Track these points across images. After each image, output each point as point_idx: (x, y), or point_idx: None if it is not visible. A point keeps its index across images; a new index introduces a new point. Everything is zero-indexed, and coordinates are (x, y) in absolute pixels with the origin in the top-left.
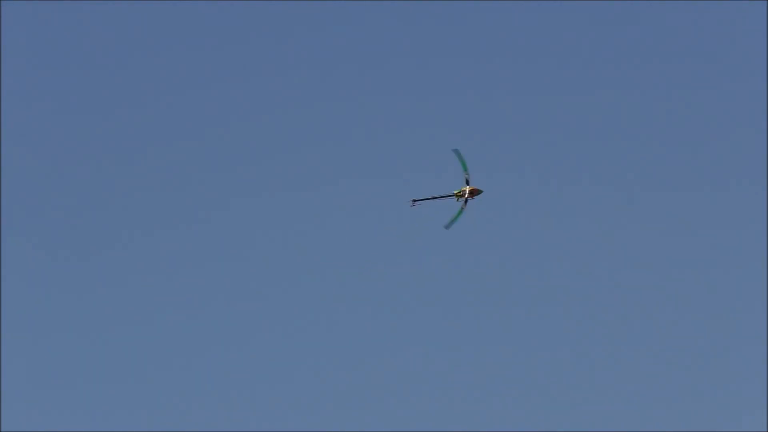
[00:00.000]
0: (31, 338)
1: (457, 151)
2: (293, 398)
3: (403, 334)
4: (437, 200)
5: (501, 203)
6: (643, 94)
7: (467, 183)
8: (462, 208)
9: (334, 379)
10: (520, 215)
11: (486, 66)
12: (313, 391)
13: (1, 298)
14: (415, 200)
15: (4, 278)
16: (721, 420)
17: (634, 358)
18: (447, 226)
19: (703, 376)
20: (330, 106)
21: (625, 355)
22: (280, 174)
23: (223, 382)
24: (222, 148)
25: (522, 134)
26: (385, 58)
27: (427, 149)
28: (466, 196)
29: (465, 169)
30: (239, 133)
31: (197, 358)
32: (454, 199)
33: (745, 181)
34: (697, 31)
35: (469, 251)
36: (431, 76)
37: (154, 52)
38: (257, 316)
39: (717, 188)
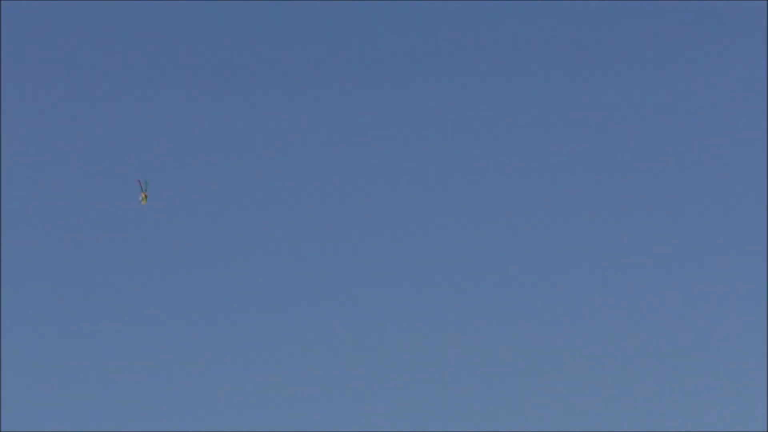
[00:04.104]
0: (31, 338)
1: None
2: (293, 398)
3: (400, 335)
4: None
5: (498, 205)
6: (642, 94)
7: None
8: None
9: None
10: (520, 217)
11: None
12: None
13: (1, 299)
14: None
15: (4, 279)
16: (721, 420)
17: (635, 357)
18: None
19: (703, 376)
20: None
21: (626, 355)
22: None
23: (222, 383)
24: (222, 140)
25: (521, 136)
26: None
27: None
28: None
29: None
30: (241, 131)
31: (196, 358)
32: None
33: (745, 181)
34: (697, 31)
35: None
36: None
37: (154, 52)
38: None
39: (717, 188)
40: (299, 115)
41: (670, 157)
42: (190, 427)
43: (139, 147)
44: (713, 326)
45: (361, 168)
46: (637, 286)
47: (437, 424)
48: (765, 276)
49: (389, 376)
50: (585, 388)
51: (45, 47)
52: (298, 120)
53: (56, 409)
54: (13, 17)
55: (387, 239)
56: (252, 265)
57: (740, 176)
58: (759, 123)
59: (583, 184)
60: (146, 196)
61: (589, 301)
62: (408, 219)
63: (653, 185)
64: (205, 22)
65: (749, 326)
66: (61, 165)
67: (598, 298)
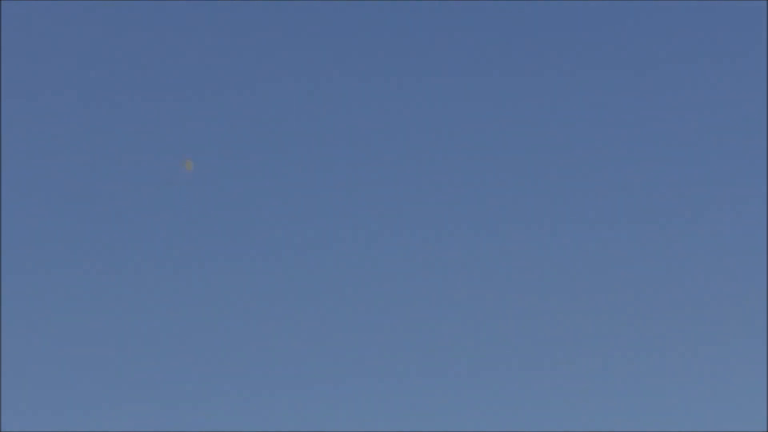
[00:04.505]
0: (31, 338)
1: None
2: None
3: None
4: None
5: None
6: (640, 94)
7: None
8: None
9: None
10: (518, 217)
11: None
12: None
13: (1, 298)
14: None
15: (4, 278)
16: (721, 420)
17: (634, 357)
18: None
19: (704, 376)
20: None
21: (625, 354)
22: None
23: (223, 384)
24: (225, 140)
25: (518, 135)
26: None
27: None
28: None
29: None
30: (246, 131)
31: (198, 358)
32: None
33: (745, 182)
34: (697, 31)
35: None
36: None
37: (157, 53)
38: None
39: (716, 188)
40: (298, 114)
41: (669, 157)
42: (191, 427)
43: (139, 147)
44: (713, 326)
45: (361, 167)
46: (636, 285)
47: (437, 424)
48: (765, 276)
49: (389, 377)
50: (584, 388)
51: (45, 47)
52: (297, 119)
53: (56, 409)
54: (13, 17)
55: (387, 239)
56: (254, 265)
57: (740, 176)
58: (759, 123)
59: (581, 183)
60: (190, 164)
61: (588, 300)
62: (407, 219)
63: (652, 185)
64: (207, 21)
65: (749, 326)
66: (61, 165)
67: (597, 297)
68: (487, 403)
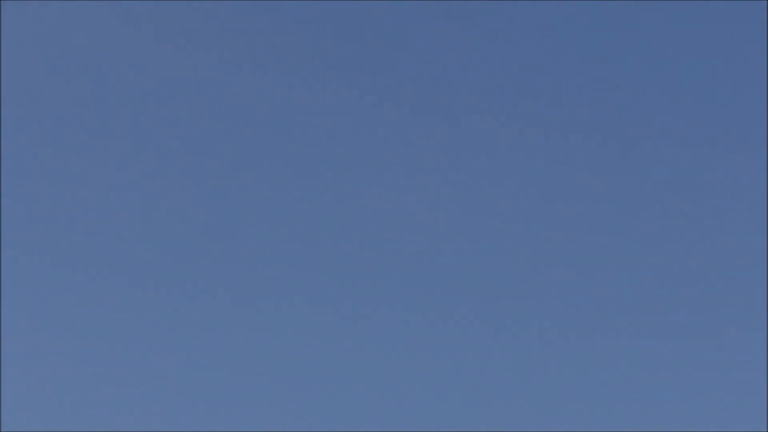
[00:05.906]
0: (31, 338)
1: None
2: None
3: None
4: None
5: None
6: (640, 93)
7: None
8: None
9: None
10: (516, 215)
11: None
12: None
13: (1, 298)
14: None
15: (4, 276)
16: (721, 420)
17: (633, 356)
18: None
19: (703, 376)
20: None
21: (624, 354)
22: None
23: (225, 384)
24: (229, 138)
25: (515, 136)
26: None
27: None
28: None
29: None
30: (249, 135)
31: (199, 358)
32: None
33: (744, 182)
34: (697, 31)
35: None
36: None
37: (157, 53)
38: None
39: (714, 188)
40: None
41: (667, 159)
42: (191, 427)
43: (140, 149)
44: (713, 325)
45: (361, 168)
46: (635, 284)
47: (437, 423)
48: (765, 276)
49: (390, 377)
50: (583, 388)
51: (45, 47)
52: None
53: (56, 409)
54: (14, 17)
55: (388, 241)
56: (254, 264)
57: (740, 177)
58: (759, 123)
59: (581, 184)
60: None
61: (587, 298)
62: (408, 221)
63: (651, 186)
64: (208, 21)
65: (749, 326)
66: (61, 165)
67: (596, 295)
68: (487, 403)
